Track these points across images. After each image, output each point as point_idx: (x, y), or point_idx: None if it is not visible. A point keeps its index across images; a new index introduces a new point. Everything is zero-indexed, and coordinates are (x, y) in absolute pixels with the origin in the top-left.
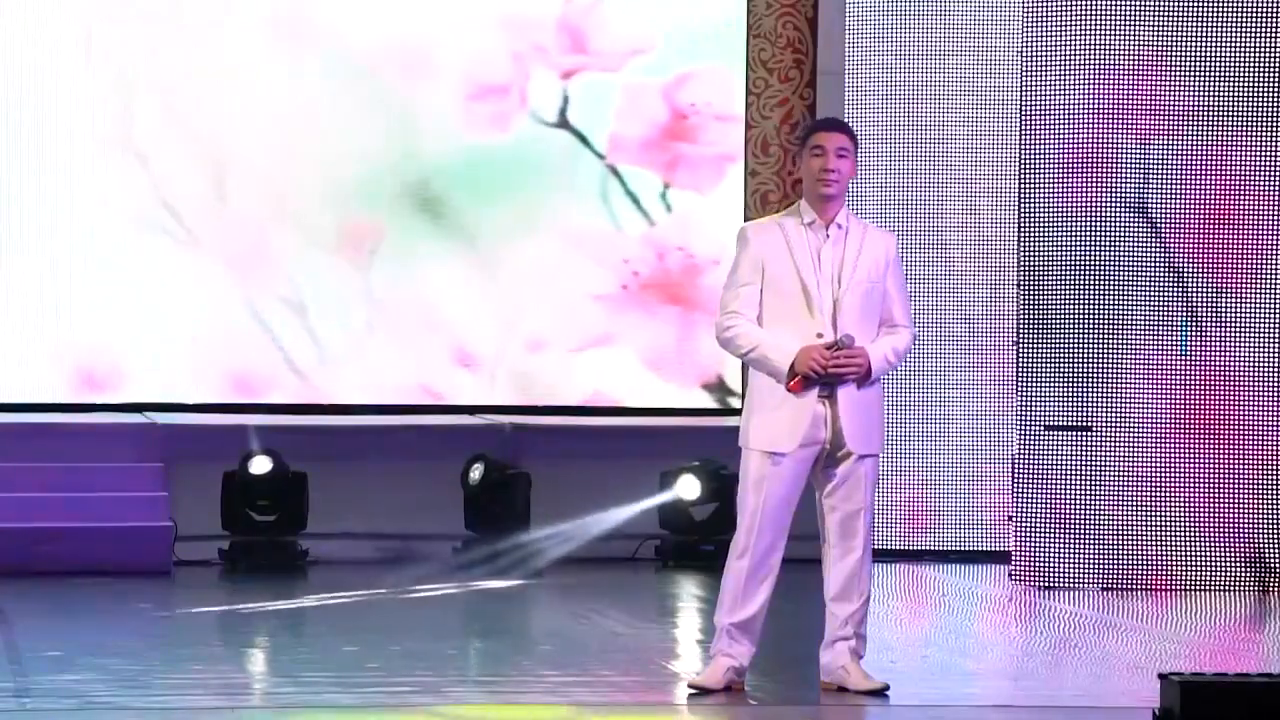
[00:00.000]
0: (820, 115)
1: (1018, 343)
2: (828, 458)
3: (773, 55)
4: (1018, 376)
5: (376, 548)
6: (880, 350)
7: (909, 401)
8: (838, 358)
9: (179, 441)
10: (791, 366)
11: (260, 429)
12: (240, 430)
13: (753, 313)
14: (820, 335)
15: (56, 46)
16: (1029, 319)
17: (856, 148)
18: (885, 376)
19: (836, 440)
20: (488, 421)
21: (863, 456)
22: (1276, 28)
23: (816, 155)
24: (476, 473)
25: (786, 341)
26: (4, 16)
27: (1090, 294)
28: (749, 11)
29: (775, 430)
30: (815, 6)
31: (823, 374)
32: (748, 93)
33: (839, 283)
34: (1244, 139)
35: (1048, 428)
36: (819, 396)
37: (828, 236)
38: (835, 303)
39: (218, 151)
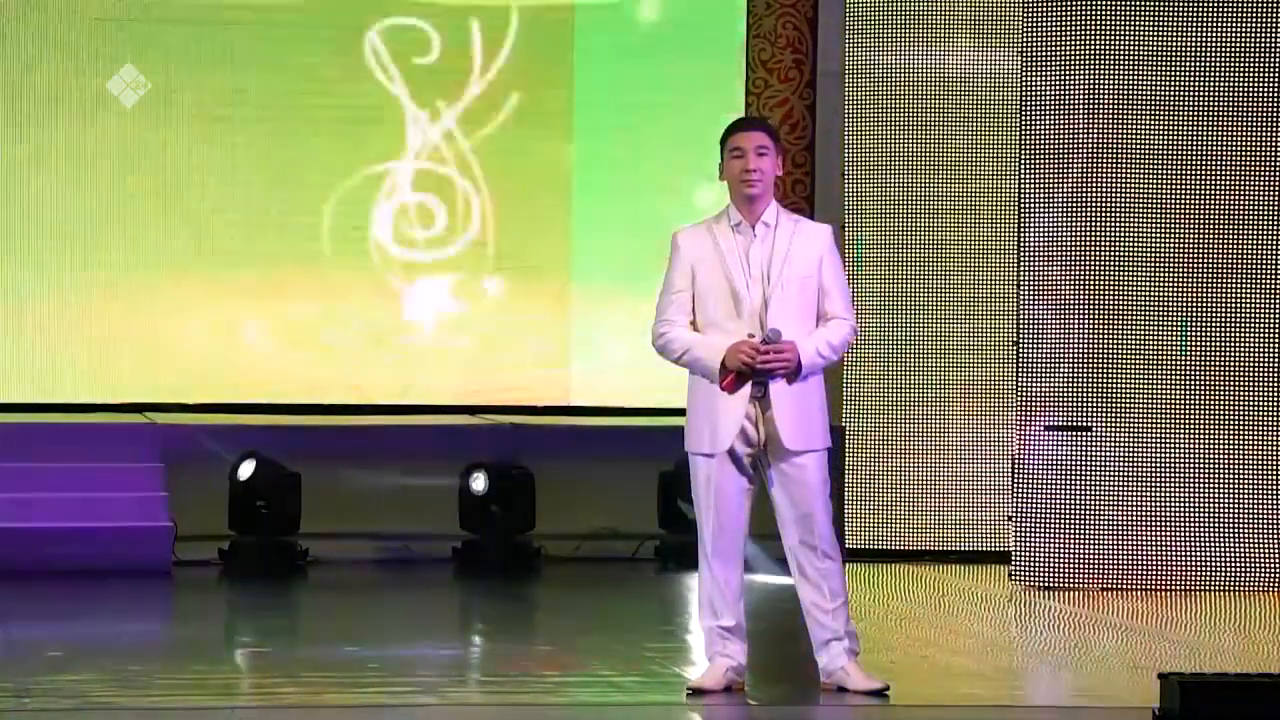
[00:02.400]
0: (820, 115)
1: (1017, 343)
2: (770, 458)
3: (773, 55)
4: (1017, 376)
5: (376, 548)
6: (812, 344)
7: (909, 401)
8: (766, 353)
9: (179, 441)
10: (723, 364)
11: (248, 432)
12: (241, 431)
13: (686, 319)
14: (751, 335)
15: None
16: (1029, 319)
17: (777, 143)
18: (829, 371)
19: (773, 441)
20: (488, 421)
21: (805, 454)
22: (1276, 26)
23: (736, 157)
24: (479, 483)
25: (718, 342)
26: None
27: (1089, 294)
28: (749, 11)
29: (706, 432)
30: (815, 6)
31: (753, 368)
32: (748, 93)
33: (768, 281)
34: (1244, 138)
35: (1047, 428)
36: (751, 398)
37: (755, 236)
38: (765, 302)
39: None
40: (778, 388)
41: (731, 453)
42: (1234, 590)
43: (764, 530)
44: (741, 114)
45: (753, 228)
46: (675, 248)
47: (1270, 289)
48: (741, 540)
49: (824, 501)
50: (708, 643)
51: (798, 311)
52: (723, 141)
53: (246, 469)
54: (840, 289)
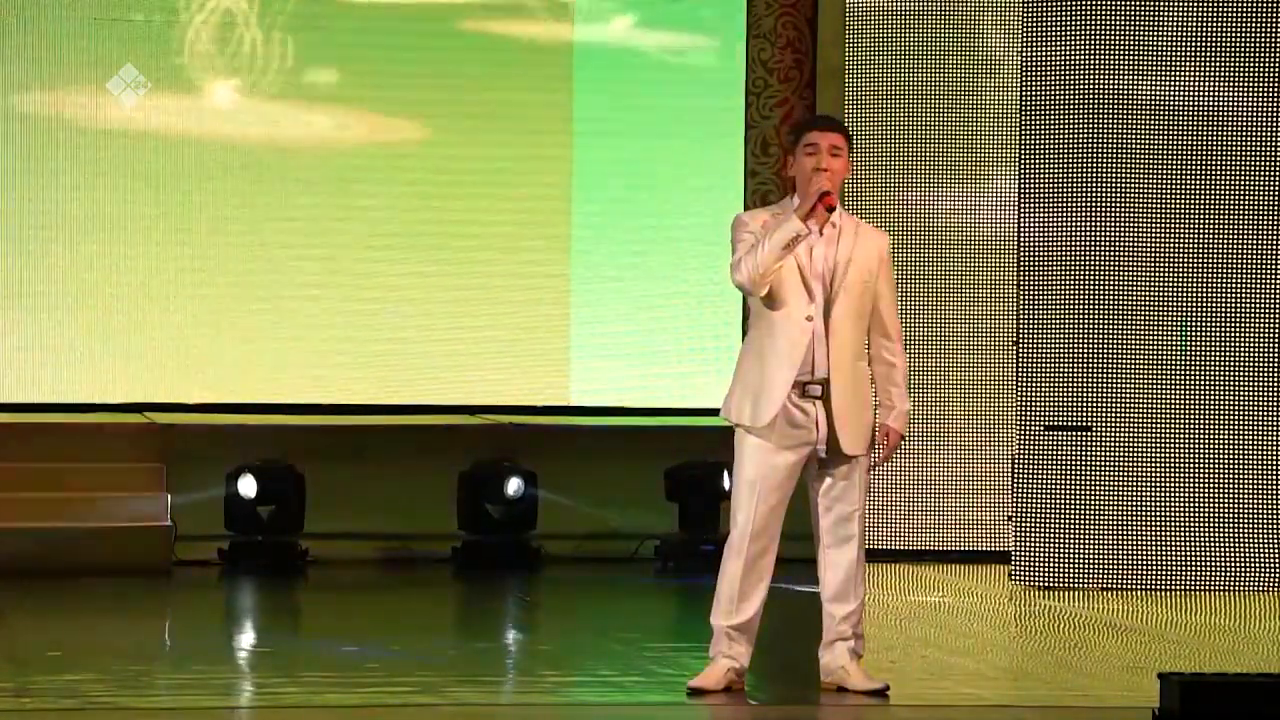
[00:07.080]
0: (820, 115)
1: (1017, 343)
2: (822, 458)
3: (773, 55)
4: (1017, 376)
5: (376, 548)
6: (904, 416)
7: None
8: (885, 452)
9: (179, 441)
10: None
11: (248, 432)
12: (241, 431)
13: None
14: (810, 319)
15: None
16: (1028, 319)
17: (851, 146)
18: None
19: (833, 443)
20: (488, 421)
21: (856, 457)
22: (1276, 25)
23: (810, 153)
24: (514, 488)
25: (781, 222)
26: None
27: (1089, 294)
28: (749, 11)
29: (748, 405)
30: (815, 6)
31: (829, 190)
32: (747, 93)
33: (832, 282)
34: (1243, 137)
35: (1047, 428)
36: (811, 398)
37: (821, 234)
38: (828, 303)
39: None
40: (839, 391)
41: (786, 454)
42: (1234, 590)
43: (793, 530)
44: (741, 115)
45: (820, 228)
46: (742, 224)
47: (1270, 288)
48: (774, 546)
49: (864, 502)
50: (714, 640)
51: (856, 314)
52: (795, 136)
53: (246, 485)
54: (893, 298)
